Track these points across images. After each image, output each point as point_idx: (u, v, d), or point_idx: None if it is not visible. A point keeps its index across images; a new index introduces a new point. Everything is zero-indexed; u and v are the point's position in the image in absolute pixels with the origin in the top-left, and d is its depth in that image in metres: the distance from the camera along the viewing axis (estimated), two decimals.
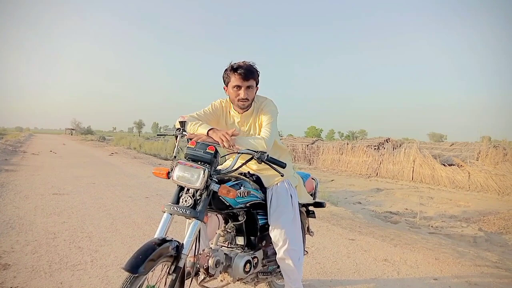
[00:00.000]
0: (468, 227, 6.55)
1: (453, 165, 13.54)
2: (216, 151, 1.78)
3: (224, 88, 2.24)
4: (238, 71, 2.09)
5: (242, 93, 2.12)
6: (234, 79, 2.12)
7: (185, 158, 1.82)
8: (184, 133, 1.98)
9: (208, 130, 1.94)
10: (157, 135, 2.17)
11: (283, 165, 1.91)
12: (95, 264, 3.11)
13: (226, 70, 2.17)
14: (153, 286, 1.56)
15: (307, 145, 21.65)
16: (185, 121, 2.00)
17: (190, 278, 1.82)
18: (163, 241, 1.56)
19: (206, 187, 1.73)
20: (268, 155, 1.88)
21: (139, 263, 1.40)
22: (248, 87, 2.13)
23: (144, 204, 5.69)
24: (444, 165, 13.74)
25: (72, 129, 68.43)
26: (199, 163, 1.75)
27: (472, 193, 11.74)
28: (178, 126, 1.99)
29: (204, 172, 1.69)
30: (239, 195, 1.95)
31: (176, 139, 2.03)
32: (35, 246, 3.45)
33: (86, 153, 18.29)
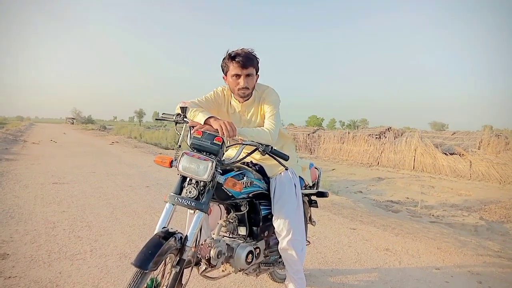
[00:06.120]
0: (469, 216, 6.54)
1: (455, 154, 13.50)
2: (223, 142, 1.72)
3: (223, 78, 2.17)
4: (236, 59, 2.01)
5: (241, 82, 2.05)
6: (233, 68, 2.04)
7: (190, 147, 1.75)
8: (185, 119, 1.91)
9: (207, 118, 1.87)
10: (156, 119, 2.09)
11: (286, 158, 1.86)
12: (94, 254, 3.08)
13: (224, 58, 2.09)
14: (156, 278, 1.54)
15: (308, 134, 21.55)
16: (186, 107, 1.92)
17: (190, 268, 1.78)
18: (168, 233, 1.53)
19: (212, 178, 1.68)
20: (272, 147, 1.83)
21: (149, 259, 1.38)
22: (248, 75, 2.06)
23: (145, 193, 5.67)
24: (445, 154, 13.70)
25: (73, 118, 68.13)
26: (204, 153, 1.69)
27: (473, 182, 11.72)
28: (178, 111, 1.92)
29: (212, 164, 1.64)
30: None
31: (176, 125, 1.97)
32: (34, 236, 3.42)
33: (86, 142, 18.23)
